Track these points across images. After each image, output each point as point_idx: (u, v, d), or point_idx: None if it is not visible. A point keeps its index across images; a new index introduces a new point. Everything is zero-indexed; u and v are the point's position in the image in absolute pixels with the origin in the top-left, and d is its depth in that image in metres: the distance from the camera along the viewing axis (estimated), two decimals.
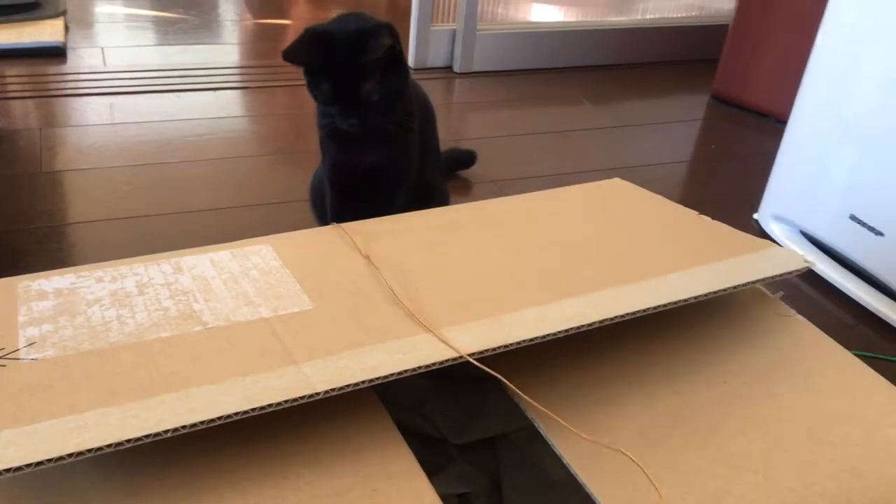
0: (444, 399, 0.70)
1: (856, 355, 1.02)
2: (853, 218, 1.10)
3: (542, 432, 0.52)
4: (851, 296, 1.13)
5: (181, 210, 1.19)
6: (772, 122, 1.72)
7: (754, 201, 1.32)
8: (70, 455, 0.39)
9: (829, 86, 1.15)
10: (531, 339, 0.51)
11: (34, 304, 0.54)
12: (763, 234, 1.28)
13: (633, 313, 0.54)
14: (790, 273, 0.60)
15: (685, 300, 0.55)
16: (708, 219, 0.69)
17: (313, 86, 0.85)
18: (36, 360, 0.47)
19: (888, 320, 1.08)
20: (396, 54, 0.84)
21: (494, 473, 0.70)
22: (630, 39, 2.03)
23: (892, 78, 1.03)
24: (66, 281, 0.57)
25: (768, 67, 1.75)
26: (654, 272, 0.59)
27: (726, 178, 1.52)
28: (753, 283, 0.58)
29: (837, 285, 1.15)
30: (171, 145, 1.39)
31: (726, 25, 1.84)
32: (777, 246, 0.63)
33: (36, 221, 1.13)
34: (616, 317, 0.53)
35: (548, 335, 0.51)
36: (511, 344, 0.50)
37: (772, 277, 0.59)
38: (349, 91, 0.82)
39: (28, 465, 0.38)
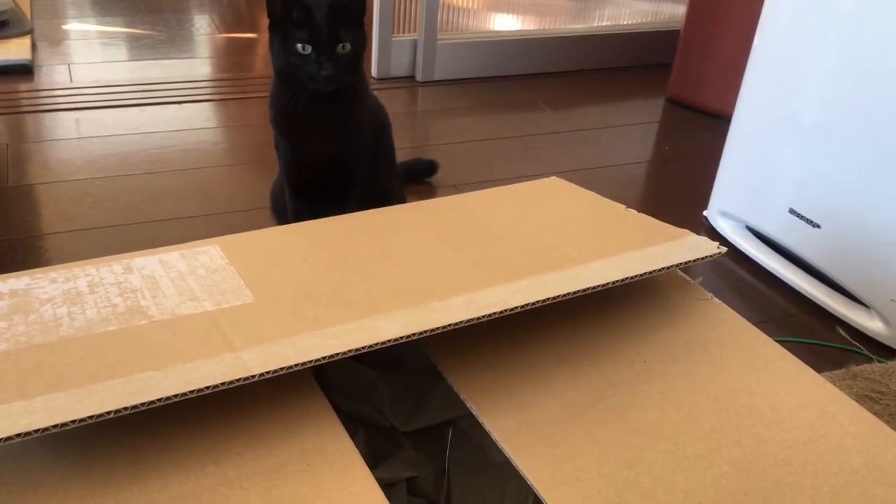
0: (393, 389, 0.73)
1: (795, 342, 1.07)
2: (792, 212, 1.15)
3: (475, 414, 0.55)
4: (793, 286, 1.18)
5: (144, 220, 1.22)
6: (723, 123, 1.76)
7: (705, 199, 1.37)
8: (18, 435, 0.42)
9: (766, 85, 1.20)
10: (455, 324, 0.54)
11: None
12: (711, 230, 1.33)
13: (553, 298, 0.58)
14: (703, 258, 0.64)
15: (602, 286, 0.59)
16: (634, 212, 0.73)
17: (287, 37, 0.90)
18: None
19: (827, 308, 1.13)
20: (362, 18, 0.93)
21: (442, 458, 0.73)
22: (587, 46, 2.08)
23: (824, 76, 1.08)
24: (21, 283, 0.60)
25: (718, 70, 1.80)
26: (578, 261, 0.63)
27: (680, 178, 1.57)
28: (668, 268, 0.62)
29: (780, 276, 1.20)
30: (135, 157, 1.42)
31: (679, 31, 1.90)
32: (693, 234, 0.67)
33: (2, 234, 1.16)
34: (537, 302, 0.57)
35: (471, 320, 0.55)
36: (437, 328, 0.54)
37: (686, 263, 0.63)
38: (326, 40, 0.89)
39: None
